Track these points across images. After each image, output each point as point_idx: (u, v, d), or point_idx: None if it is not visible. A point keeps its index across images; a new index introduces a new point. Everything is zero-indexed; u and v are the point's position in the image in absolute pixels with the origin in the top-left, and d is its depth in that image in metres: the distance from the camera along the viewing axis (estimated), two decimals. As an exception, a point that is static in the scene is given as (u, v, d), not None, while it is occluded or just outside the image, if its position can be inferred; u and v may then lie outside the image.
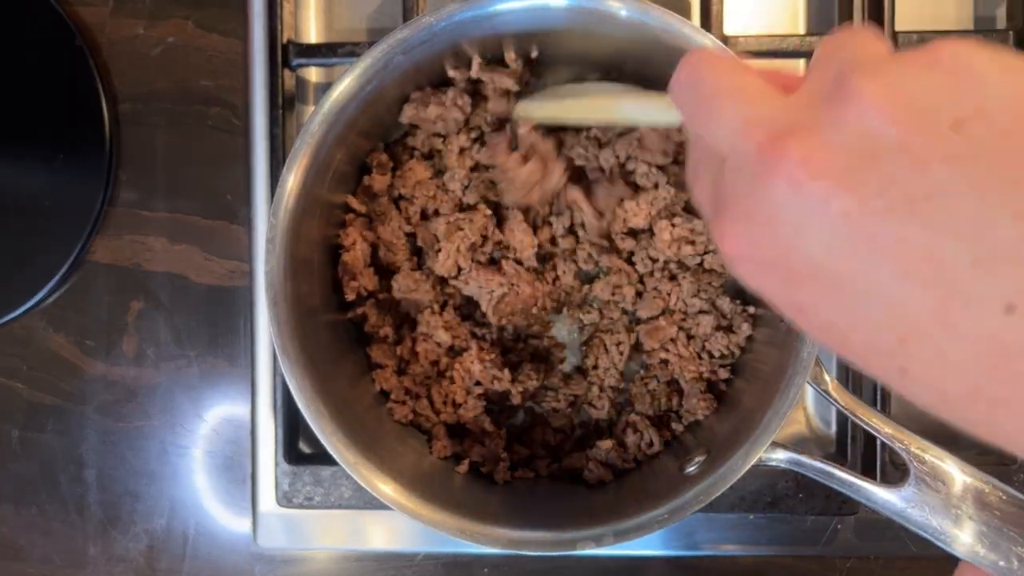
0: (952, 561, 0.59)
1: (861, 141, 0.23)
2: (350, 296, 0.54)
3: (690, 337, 0.55)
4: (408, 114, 0.53)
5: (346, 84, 0.48)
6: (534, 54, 0.52)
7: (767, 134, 0.25)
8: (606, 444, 0.54)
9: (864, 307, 0.24)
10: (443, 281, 0.56)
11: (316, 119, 0.48)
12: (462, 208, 0.55)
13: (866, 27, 0.27)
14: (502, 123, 0.54)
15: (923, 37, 0.56)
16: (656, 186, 0.54)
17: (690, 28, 0.46)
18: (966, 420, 0.24)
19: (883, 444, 0.55)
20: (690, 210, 0.55)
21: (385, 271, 0.56)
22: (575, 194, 0.54)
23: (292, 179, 0.48)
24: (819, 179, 0.23)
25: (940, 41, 0.23)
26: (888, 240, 0.23)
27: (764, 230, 0.25)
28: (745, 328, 0.54)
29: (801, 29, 0.60)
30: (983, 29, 0.58)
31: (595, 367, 0.57)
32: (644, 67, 0.49)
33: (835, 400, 0.47)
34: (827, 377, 0.47)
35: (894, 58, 0.24)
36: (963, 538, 0.43)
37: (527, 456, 0.56)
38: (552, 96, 0.50)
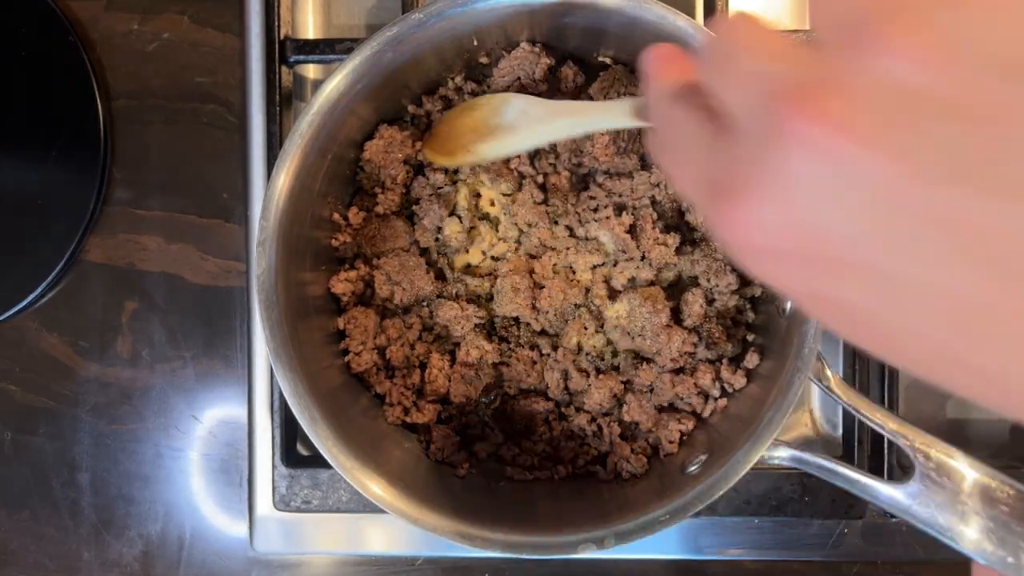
0: (956, 565, 0.59)
1: (899, 96, 0.19)
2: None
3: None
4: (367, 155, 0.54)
5: (336, 82, 0.48)
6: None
7: (783, 87, 0.21)
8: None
9: (911, 295, 0.20)
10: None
11: (306, 118, 0.48)
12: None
13: None
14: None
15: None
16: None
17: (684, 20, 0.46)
18: None
19: (891, 447, 0.54)
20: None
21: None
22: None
23: (282, 180, 0.48)
24: (851, 140, 0.19)
25: None
26: (942, 215, 0.19)
27: (781, 210, 0.21)
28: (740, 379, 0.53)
29: (807, 25, 0.60)
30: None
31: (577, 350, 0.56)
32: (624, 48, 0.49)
33: (838, 396, 0.46)
34: (829, 373, 0.47)
35: None
36: (970, 534, 0.42)
37: (517, 453, 0.55)
38: (494, 133, 0.49)
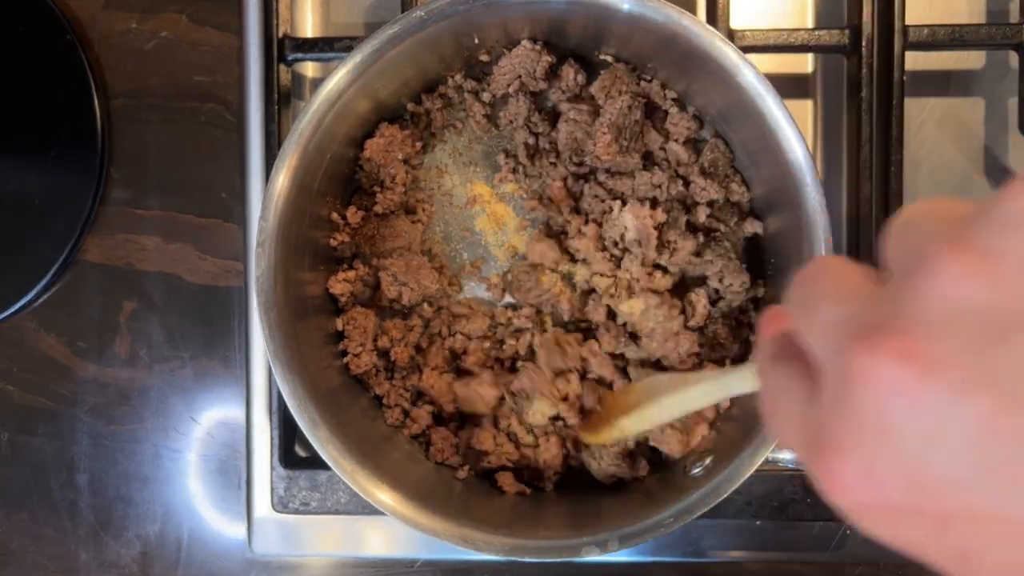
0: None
1: (968, 317, 0.18)
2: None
3: None
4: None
5: (336, 81, 0.48)
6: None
7: (853, 329, 0.20)
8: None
9: None
10: None
11: (305, 117, 0.47)
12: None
13: (938, 198, 0.22)
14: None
15: (933, 31, 0.55)
16: None
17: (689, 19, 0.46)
18: None
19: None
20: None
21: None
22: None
23: (282, 179, 0.47)
24: (935, 376, 0.18)
25: (1017, 183, 0.19)
26: None
27: (884, 461, 0.19)
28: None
29: (809, 23, 0.59)
30: (995, 23, 0.57)
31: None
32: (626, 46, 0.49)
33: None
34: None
35: (972, 212, 0.20)
36: None
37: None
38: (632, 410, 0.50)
